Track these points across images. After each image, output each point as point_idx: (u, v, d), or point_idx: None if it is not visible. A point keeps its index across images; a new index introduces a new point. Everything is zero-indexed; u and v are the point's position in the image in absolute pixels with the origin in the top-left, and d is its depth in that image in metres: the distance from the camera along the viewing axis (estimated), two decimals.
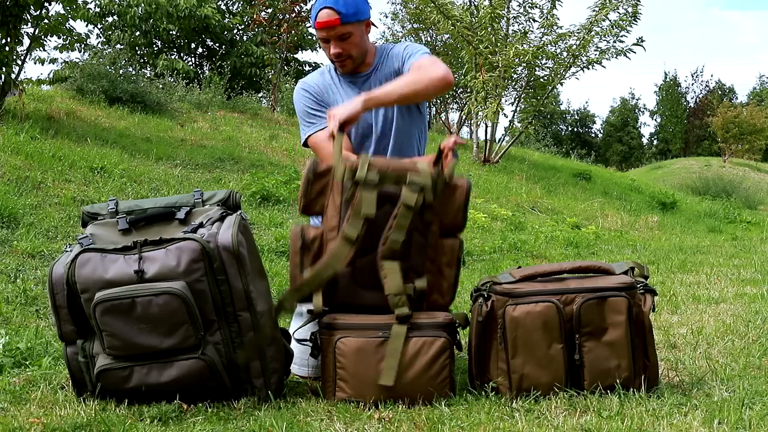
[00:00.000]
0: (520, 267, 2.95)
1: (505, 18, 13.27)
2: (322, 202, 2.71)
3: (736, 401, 2.53)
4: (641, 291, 2.73)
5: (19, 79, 7.89)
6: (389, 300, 2.62)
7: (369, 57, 2.99)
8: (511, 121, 14.58)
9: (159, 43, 16.08)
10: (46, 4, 7.76)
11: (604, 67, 13.42)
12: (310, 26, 15.24)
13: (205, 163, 8.05)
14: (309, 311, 2.80)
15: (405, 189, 2.63)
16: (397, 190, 2.64)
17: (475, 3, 13.68)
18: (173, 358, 2.47)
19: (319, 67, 16.80)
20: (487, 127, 13.59)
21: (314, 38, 16.13)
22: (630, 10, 12.72)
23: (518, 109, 14.05)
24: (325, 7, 2.85)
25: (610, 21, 12.77)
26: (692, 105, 50.14)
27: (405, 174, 2.64)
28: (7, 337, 3.14)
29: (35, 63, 12.27)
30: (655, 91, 53.25)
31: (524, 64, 13.09)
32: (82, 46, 12.19)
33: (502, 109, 13.37)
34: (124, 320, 2.41)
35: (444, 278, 2.72)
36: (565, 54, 13.16)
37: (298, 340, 2.85)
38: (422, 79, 2.78)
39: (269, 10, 14.58)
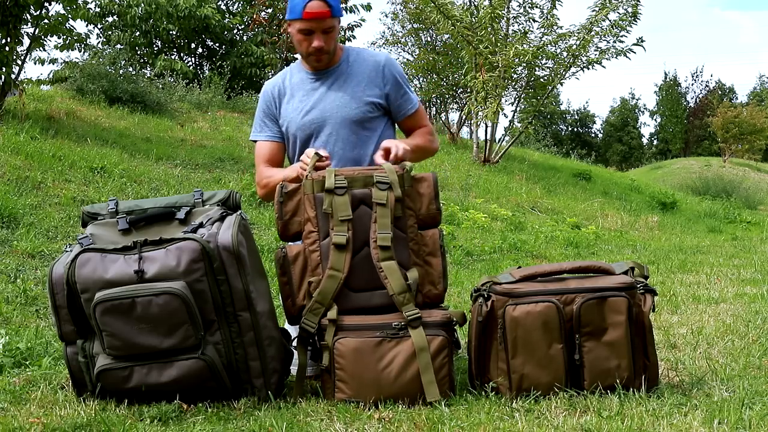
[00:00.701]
0: (520, 267, 2.95)
1: (505, 18, 13.27)
2: (299, 220, 2.77)
3: (736, 401, 2.53)
4: (641, 291, 2.73)
5: (19, 79, 7.89)
6: (395, 300, 2.66)
7: (337, 53, 3.03)
8: (511, 121, 14.59)
9: (159, 43, 16.06)
10: (46, 4, 7.77)
11: (604, 67, 13.44)
12: None
13: (205, 163, 8.05)
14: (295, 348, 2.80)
15: (374, 189, 2.71)
16: (368, 192, 2.71)
17: (475, 3, 13.69)
18: (173, 358, 2.47)
19: None
20: (487, 127, 13.60)
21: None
22: (630, 10, 12.72)
23: (518, 109, 14.05)
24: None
25: (610, 21, 12.77)
26: (692, 105, 50.14)
27: (371, 175, 2.73)
28: (7, 337, 3.15)
29: (35, 63, 12.26)
30: (655, 91, 53.29)
31: (524, 64, 13.09)
32: (82, 46, 12.19)
33: (502, 109, 13.38)
34: (124, 320, 2.41)
35: (432, 268, 2.77)
36: (565, 54, 13.16)
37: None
38: (429, 149, 3.15)
39: (269, 10, 14.57)
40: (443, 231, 2.85)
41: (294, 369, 2.92)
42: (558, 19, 13.22)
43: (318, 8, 2.87)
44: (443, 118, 17.81)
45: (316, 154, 2.79)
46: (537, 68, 13.46)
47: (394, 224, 2.72)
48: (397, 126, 3.15)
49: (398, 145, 2.85)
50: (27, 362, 2.95)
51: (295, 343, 2.78)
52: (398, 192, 2.72)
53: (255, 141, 3.15)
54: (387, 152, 2.84)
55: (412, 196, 2.76)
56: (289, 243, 2.83)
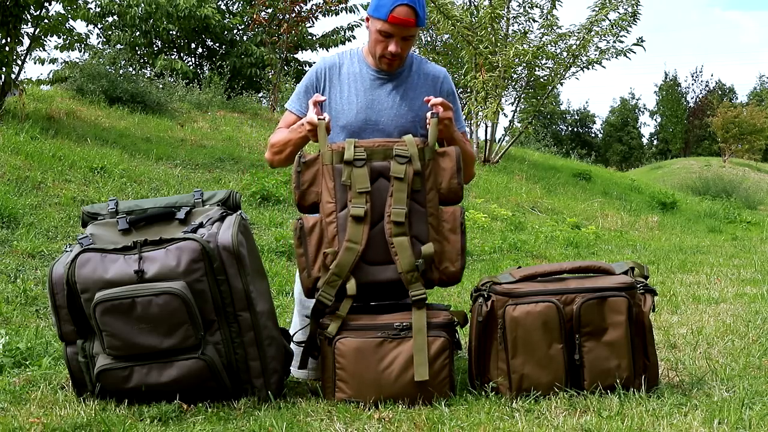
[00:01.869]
0: (520, 267, 2.95)
1: (505, 18, 13.26)
2: (316, 190, 2.73)
3: (736, 401, 2.53)
4: (641, 291, 2.73)
5: (19, 79, 7.89)
6: (402, 278, 2.65)
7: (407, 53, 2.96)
8: (511, 121, 14.59)
9: (159, 43, 16.05)
10: (46, 4, 7.76)
11: (604, 67, 13.43)
12: (310, 26, 15.25)
13: (205, 163, 8.05)
14: (307, 316, 2.81)
15: (393, 162, 2.69)
16: (387, 165, 2.69)
17: (475, 3, 13.68)
18: (173, 358, 2.47)
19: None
20: (487, 127, 13.60)
21: (314, 38, 16.11)
22: (630, 10, 12.72)
23: (518, 109, 14.05)
24: (404, 5, 2.78)
25: (610, 21, 12.77)
26: (692, 105, 50.14)
27: (391, 147, 2.71)
28: (7, 337, 3.14)
29: (35, 63, 12.27)
30: (655, 91, 53.30)
31: (524, 64, 13.09)
32: (82, 46, 12.19)
33: (502, 109, 13.37)
34: (124, 320, 2.41)
35: (450, 244, 2.74)
36: (565, 54, 13.15)
37: (298, 343, 2.85)
38: (471, 154, 2.99)
39: (269, 10, 14.57)
40: (464, 208, 2.80)
41: (293, 371, 2.92)
42: (558, 19, 13.23)
43: (405, 15, 2.79)
44: None
45: (321, 119, 2.73)
46: (537, 68, 13.46)
47: (413, 198, 2.69)
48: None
49: (449, 112, 2.80)
50: (27, 362, 2.95)
51: (308, 313, 2.76)
52: (417, 165, 2.68)
53: (287, 109, 3.06)
54: (440, 107, 2.77)
55: (434, 170, 2.73)
56: (306, 215, 2.79)
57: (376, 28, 2.85)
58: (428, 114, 2.80)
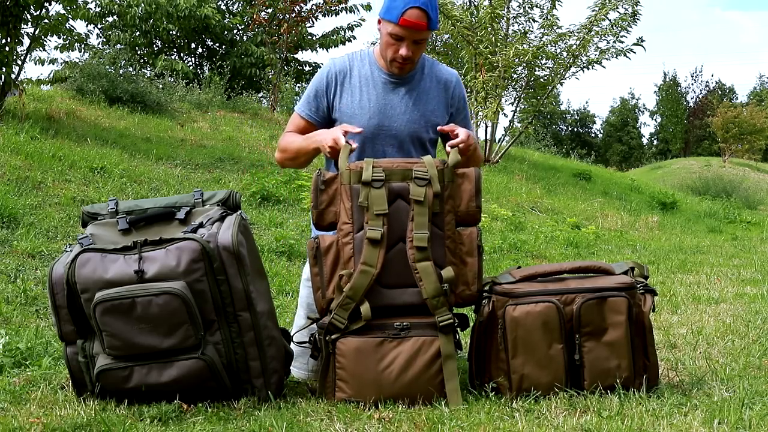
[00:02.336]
0: (520, 267, 2.95)
1: (505, 18, 13.26)
2: (334, 210, 2.70)
3: (736, 401, 2.53)
4: (641, 291, 2.73)
5: (19, 79, 7.89)
6: (428, 303, 2.61)
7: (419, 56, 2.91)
8: (511, 121, 14.58)
9: (159, 43, 16.05)
10: (46, 4, 7.76)
11: (604, 67, 13.42)
12: (310, 26, 15.23)
13: (205, 163, 8.05)
14: (309, 317, 2.81)
15: (412, 184, 2.64)
16: (406, 186, 2.65)
17: (475, 3, 13.68)
18: (173, 358, 2.47)
19: (320, 67, 16.83)
20: (487, 127, 13.59)
21: (314, 38, 16.11)
22: (630, 10, 12.72)
23: (518, 109, 14.05)
24: (416, 8, 2.72)
25: (610, 21, 12.77)
26: (692, 105, 50.14)
27: (410, 169, 2.66)
28: (7, 337, 3.14)
29: (35, 63, 12.25)
30: (655, 91, 53.31)
31: (524, 64, 13.08)
32: (82, 46, 12.19)
33: (502, 109, 13.37)
34: (124, 320, 2.41)
35: (467, 267, 2.70)
36: (565, 54, 13.15)
37: (298, 343, 2.85)
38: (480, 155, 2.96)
39: (269, 10, 14.57)
40: (481, 230, 2.77)
41: (293, 371, 2.92)
42: (558, 18, 13.22)
43: (417, 18, 2.73)
44: None
45: (347, 144, 2.70)
46: (537, 68, 13.45)
47: (431, 221, 2.65)
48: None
49: (470, 134, 2.79)
50: (27, 362, 2.95)
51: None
52: (437, 187, 2.64)
53: (296, 112, 3.01)
54: (459, 139, 2.75)
55: (452, 192, 2.69)
56: (323, 234, 2.75)
57: (387, 31, 2.80)
58: (447, 146, 2.78)
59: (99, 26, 15.86)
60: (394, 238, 2.65)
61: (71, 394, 2.62)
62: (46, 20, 7.89)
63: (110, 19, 15.75)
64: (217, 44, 16.63)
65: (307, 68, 16.92)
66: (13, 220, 4.94)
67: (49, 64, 12.76)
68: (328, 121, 2.95)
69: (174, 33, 15.68)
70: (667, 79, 51.91)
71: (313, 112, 2.94)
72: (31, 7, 7.57)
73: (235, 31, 16.45)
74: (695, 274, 6.06)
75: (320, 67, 18.65)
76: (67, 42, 10.08)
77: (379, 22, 2.83)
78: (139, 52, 15.83)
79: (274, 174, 7.51)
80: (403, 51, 2.79)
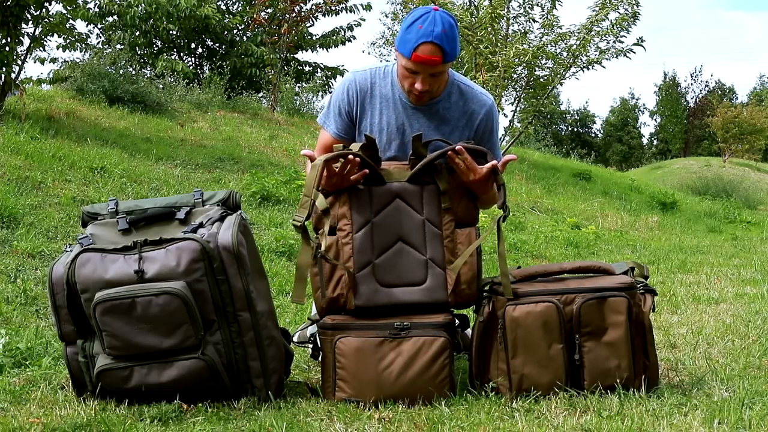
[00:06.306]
0: (520, 267, 2.95)
1: (505, 18, 13.25)
2: (333, 214, 2.72)
3: (736, 401, 2.53)
4: (641, 291, 2.73)
5: (19, 79, 7.89)
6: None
7: (441, 85, 2.82)
8: (511, 121, 14.57)
9: (159, 43, 16.06)
10: (47, 4, 7.76)
11: (604, 67, 13.38)
12: (310, 26, 15.24)
13: (205, 163, 8.05)
14: (310, 318, 2.81)
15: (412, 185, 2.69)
16: (404, 186, 2.70)
17: (475, 3, 13.68)
18: (173, 358, 2.47)
19: (320, 67, 16.87)
20: None
21: (314, 38, 16.11)
22: (630, 10, 12.72)
23: (518, 109, 14.04)
24: (430, 43, 2.61)
25: (610, 21, 12.77)
26: (692, 105, 50.13)
27: (409, 169, 2.71)
28: (7, 337, 3.14)
29: (35, 63, 12.27)
30: (655, 91, 53.30)
31: (524, 64, 13.07)
32: (83, 45, 12.19)
33: (502, 109, 13.37)
34: (124, 320, 2.41)
35: (467, 267, 2.71)
36: (565, 54, 13.15)
37: (298, 343, 2.85)
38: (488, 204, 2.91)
39: (269, 10, 14.57)
40: (480, 229, 2.78)
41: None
42: (558, 18, 13.22)
43: (430, 54, 2.62)
44: None
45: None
46: (537, 68, 13.44)
47: (429, 220, 2.69)
48: None
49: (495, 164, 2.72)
50: (27, 362, 2.95)
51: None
52: (443, 185, 2.69)
53: (321, 125, 2.97)
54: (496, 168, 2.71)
55: (450, 193, 2.73)
56: (322, 235, 2.74)
57: (402, 64, 2.72)
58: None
59: (99, 26, 15.87)
60: (394, 237, 2.67)
61: (71, 394, 2.62)
62: (46, 20, 7.89)
63: (110, 19, 15.75)
64: (217, 44, 16.63)
65: (307, 68, 16.92)
66: (13, 220, 4.94)
67: (50, 63, 12.78)
68: (355, 137, 2.91)
69: (174, 33, 15.68)
70: (667, 79, 51.91)
71: (340, 130, 2.91)
72: (32, 7, 7.57)
73: (235, 31, 16.44)
74: (695, 274, 6.06)
75: (320, 67, 18.56)
76: (68, 42, 10.08)
77: (395, 51, 2.77)
78: (139, 52, 15.83)
79: (274, 174, 7.51)
80: (418, 85, 2.71)
